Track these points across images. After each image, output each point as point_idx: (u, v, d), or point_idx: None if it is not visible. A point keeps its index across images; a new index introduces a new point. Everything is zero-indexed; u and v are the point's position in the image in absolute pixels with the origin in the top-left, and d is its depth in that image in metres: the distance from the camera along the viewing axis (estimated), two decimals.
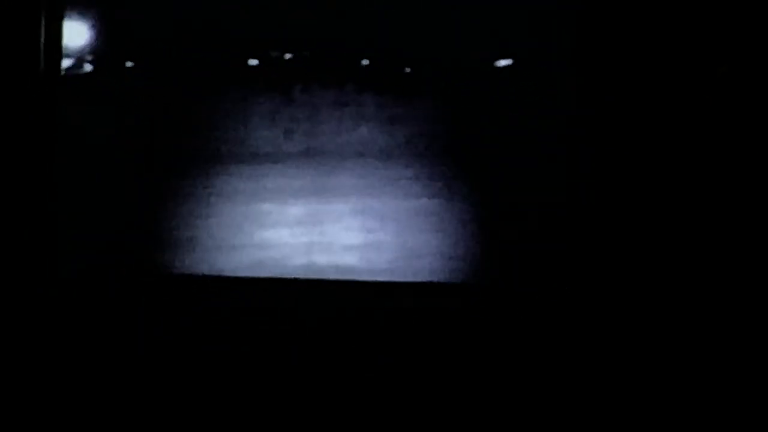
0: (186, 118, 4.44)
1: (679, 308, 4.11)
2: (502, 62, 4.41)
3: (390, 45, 4.44)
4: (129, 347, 4.10)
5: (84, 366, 4.06)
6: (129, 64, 4.46)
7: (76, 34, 4.39)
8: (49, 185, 4.25)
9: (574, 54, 4.33)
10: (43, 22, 4.24)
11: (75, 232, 4.31)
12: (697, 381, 4.02)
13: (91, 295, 4.18)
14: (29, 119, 4.21)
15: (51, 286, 4.18)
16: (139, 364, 4.08)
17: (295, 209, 4.38)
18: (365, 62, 4.44)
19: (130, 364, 4.08)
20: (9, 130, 4.18)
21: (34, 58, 4.22)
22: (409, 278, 4.31)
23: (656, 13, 4.25)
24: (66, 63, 4.38)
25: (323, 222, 4.37)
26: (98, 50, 4.43)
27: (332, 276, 4.30)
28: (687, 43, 4.22)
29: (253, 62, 4.45)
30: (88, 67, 4.43)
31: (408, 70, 4.44)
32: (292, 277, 4.28)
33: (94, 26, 4.43)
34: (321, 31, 4.44)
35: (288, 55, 4.47)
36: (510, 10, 4.39)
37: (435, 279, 4.31)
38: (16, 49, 4.19)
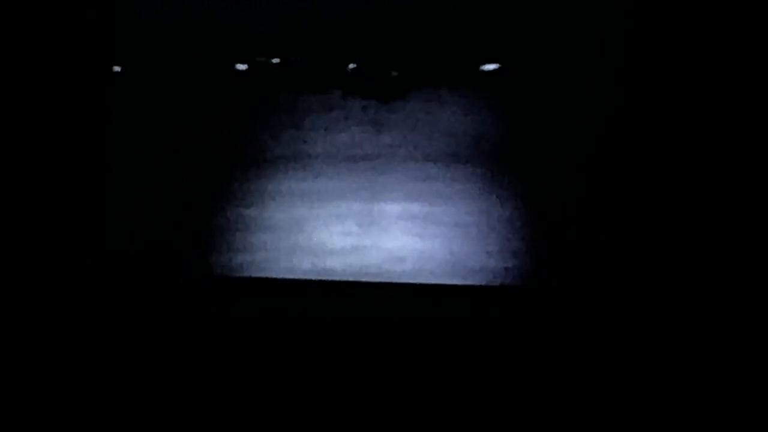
0: (236, 122, 4.46)
1: (715, 317, 4.12)
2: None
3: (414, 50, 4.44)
4: (169, 347, 4.10)
5: (124, 361, 4.06)
6: (177, 67, 4.47)
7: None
8: (101, 183, 4.28)
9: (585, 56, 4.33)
10: (95, 24, 4.29)
11: (124, 232, 4.35)
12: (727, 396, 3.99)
13: (137, 295, 4.21)
14: (84, 121, 4.26)
15: (98, 281, 4.21)
16: (179, 363, 4.08)
17: (340, 211, 4.39)
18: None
19: (169, 363, 4.07)
20: (64, 131, 4.24)
21: (85, 62, 4.26)
22: (451, 281, 4.32)
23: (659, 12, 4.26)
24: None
25: (367, 226, 4.37)
26: (148, 53, 4.45)
27: (376, 279, 4.30)
28: (694, 42, 4.24)
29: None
30: (138, 70, 4.45)
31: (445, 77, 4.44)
32: (335, 279, 4.31)
33: (146, 28, 4.46)
34: (360, 39, 4.46)
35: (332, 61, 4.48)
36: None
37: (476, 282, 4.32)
38: (71, 50, 4.24)
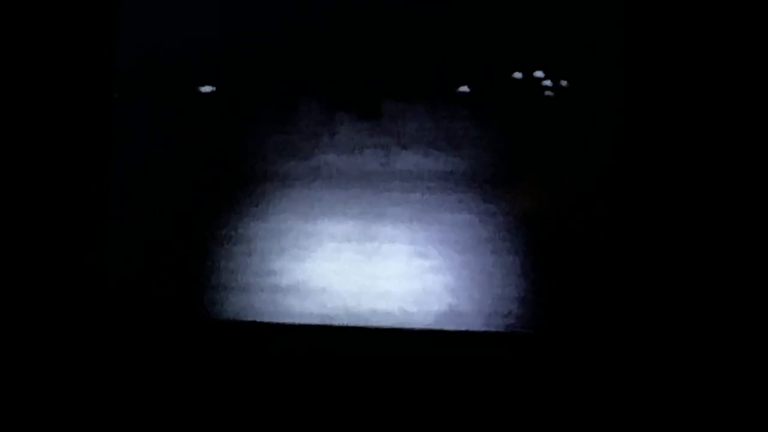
0: (226, 144, 4.23)
1: (728, 367, 3.97)
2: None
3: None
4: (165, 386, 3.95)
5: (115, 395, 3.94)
6: (182, 86, 4.26)
7: (131, 54, 4.26)
8: (100, 211, 4.12)
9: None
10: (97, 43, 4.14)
11: (124, 266, 4.13)
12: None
13: (134, 334, 4.04)
14: (83, 148, 4.11)
15: (97, 314, 4.07)
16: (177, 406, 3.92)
17: (336, 246, 4.13)
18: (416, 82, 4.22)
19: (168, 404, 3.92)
20: (65, 155, 4.10)
21: (86, 85, 4.10)
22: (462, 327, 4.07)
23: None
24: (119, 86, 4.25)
25: (370, 265, 4.10)
26: (151, 72, 4.26)
27: (377, 323, 4.07)
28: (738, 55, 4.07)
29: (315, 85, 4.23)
30: (141, 89, 4.26)
31: (465, 89, 4.13)
32: (334, 324, 4.07)
33: (149, 46, 4.27)
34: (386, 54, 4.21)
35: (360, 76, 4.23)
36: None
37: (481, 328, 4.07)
38: (72, 71, 4.10)
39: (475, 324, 4.05)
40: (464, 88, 4.13)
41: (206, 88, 4.21)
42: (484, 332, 4.03)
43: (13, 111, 4.06)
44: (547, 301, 4.08)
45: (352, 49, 4.20)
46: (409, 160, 4.17)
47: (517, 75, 4.11)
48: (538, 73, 4.11)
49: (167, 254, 4.10)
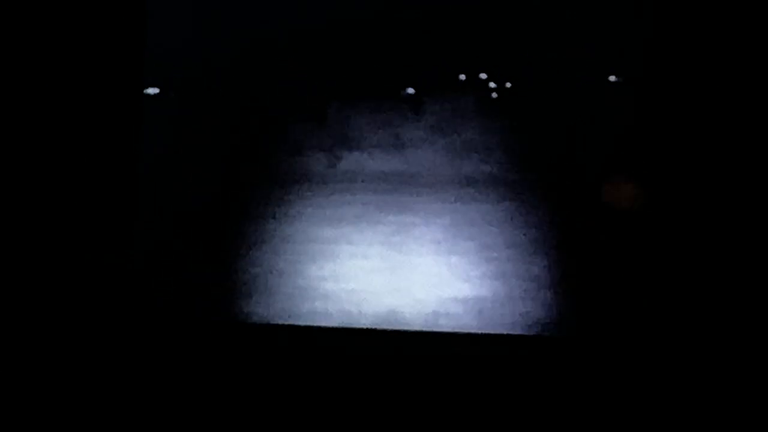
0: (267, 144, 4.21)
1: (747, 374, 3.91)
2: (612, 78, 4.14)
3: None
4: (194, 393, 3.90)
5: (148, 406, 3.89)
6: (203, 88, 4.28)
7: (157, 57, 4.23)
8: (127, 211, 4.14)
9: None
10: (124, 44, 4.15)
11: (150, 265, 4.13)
12: None
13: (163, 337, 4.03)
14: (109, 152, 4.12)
15: (122, 319, 4.06)
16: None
17: (373, 250, 4.12)
18: (462, 77, 4.20)
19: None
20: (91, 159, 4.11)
21: (112, 88, 4.12)
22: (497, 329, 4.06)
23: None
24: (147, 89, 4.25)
25: (401, 269, 4.09)
26: (175, 75, 4.26)
27: (411, 327, 4.03)
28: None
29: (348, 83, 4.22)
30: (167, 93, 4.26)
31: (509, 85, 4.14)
32: (365, 326, 4.04)
33: (174, 50, 4.27)
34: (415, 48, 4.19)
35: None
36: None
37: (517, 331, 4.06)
38: (99, 71, 4.11)
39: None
40: (410, 90, 4.13)
41: (152, 90, 4.23)
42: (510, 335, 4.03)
43: (35, 111, 4.08)
44: (488, 297, 4.07)
45: (299, 51, 4.22)
46: (353, 161, 4.19)
47: (462, 77, 4.11)
48: (483, 75, 4.11)
49: (181, 258, 4.11)
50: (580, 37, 4.15)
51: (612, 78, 4.10)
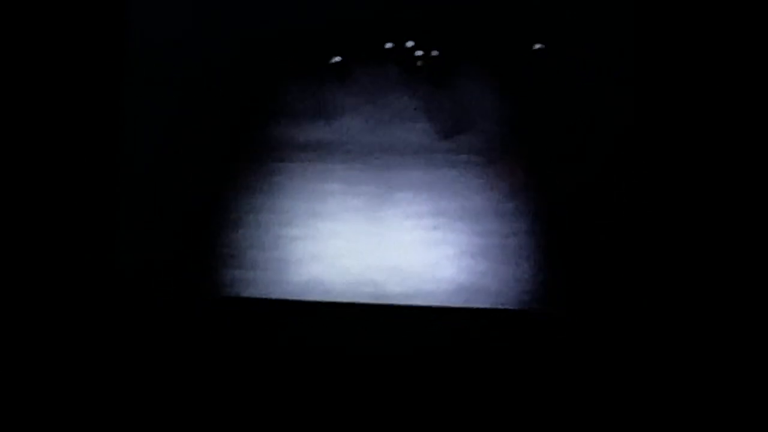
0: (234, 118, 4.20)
1: (741, 345, 3.93)
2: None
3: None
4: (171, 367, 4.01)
5: (123, 378, 4.00)
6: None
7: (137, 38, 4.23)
8: (110, 194, 4.15)
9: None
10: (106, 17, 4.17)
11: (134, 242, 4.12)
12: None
13: (139, 312, 4.07)
14: (92, 133, 4.15)
15: (106, 296, 4.08)
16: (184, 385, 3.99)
17: (344, 225, 4.09)
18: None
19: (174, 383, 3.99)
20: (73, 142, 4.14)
21: (93, 73, 4.14)
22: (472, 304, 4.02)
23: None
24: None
25: (380, 243, 4.06)
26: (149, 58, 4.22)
27: (390, 301, 4.02)
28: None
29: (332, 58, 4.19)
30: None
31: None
32: (346, 301, 4.03)
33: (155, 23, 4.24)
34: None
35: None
36: None
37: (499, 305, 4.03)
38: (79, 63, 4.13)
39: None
40: (337, 59, 4.10)
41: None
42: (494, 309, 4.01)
43: (20, 107, 4.10)
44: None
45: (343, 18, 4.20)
46: (281, 130, 4.17)
47: (389, 45, 4.07)
48: (410, 43, 4.07)
49: (172, 235, 4.10)
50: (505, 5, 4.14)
51: (537, 45, 4.05)
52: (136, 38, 4.14)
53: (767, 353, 3.86)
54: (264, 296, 3.99)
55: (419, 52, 4.07)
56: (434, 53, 4.04)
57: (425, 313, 3.97)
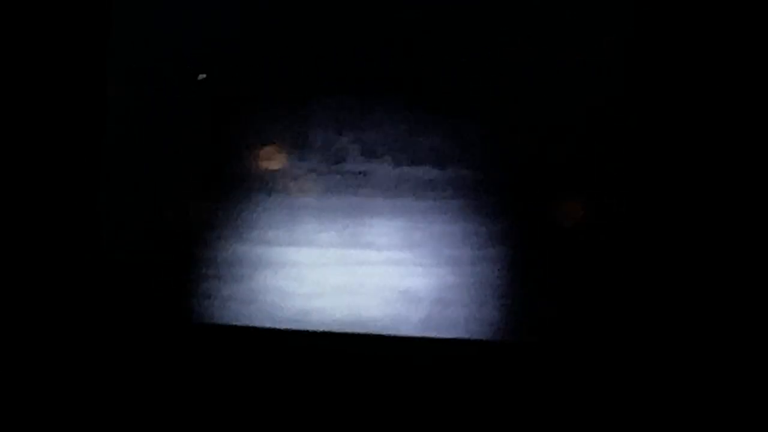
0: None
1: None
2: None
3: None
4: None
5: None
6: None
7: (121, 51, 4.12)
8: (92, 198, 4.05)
9: None
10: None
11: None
12: None
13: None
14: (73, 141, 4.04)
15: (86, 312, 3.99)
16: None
17: (321, 248, 3.97)
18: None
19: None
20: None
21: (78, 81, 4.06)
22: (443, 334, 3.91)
23: None
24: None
25: (351, 264, 3.96)
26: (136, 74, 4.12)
27: (364, 329, 3.92)
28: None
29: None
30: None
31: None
32: (315, 330, 3.93)
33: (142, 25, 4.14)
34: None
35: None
36: None
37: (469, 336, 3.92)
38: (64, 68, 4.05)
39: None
40: (202, 76, 4.04)
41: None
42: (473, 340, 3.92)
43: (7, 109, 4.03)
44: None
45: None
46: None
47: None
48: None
49: (154, 259, 4.02)
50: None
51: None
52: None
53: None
54: (235, 324, 3.91)
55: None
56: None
57: (400, 342, 3.90)
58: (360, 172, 4.00)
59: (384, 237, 3.96)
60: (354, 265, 3.94)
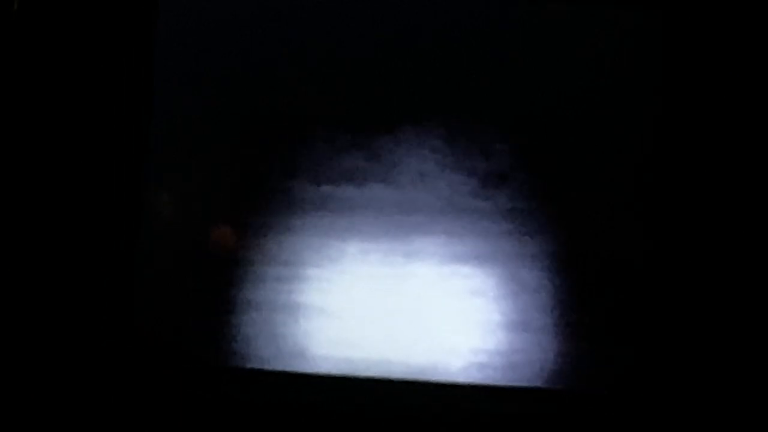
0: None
1: None
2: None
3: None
4: None
5: None
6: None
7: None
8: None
9: None
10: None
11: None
12: None
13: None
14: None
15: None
16: None
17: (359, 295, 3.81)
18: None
19: None
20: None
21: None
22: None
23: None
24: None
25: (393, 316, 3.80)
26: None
27: (399, 375, 3.76)
28: None
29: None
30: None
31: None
32: (354, 375, 3.77)
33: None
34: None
35: None
36: None
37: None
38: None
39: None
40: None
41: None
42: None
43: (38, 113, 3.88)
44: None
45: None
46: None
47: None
48: None
49: (180, 302, 3.87)
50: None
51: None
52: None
53: None
54: (270, 369, 3.77)
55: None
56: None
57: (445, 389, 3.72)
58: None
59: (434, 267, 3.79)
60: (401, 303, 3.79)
